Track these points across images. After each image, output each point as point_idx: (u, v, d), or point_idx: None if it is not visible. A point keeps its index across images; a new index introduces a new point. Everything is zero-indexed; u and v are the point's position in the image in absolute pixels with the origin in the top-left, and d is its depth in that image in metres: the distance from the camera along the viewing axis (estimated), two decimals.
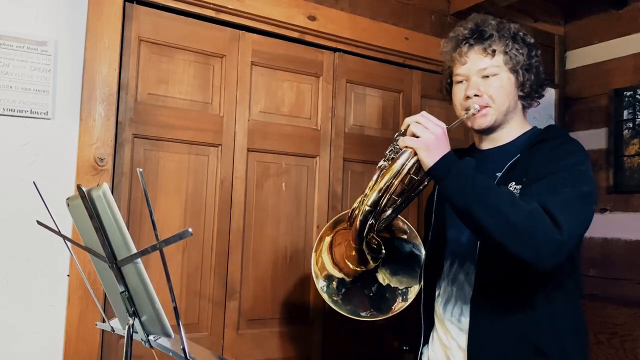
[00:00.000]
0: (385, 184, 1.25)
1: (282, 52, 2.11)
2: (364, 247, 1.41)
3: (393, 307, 1.46)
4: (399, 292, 1.48)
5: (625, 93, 2.62)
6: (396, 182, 1.26)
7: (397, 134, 1.30)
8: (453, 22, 2.53)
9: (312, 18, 2.11)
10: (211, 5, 1.92)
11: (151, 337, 1.05)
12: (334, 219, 1.51)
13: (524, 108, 1.47)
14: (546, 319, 1.31)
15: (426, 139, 1.21)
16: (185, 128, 1.90)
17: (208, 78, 1.97)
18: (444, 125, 1.25)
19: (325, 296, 1.45)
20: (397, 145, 1.28)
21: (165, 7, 1.87)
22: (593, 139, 2.76)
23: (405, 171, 1.24)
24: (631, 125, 2.60)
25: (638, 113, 2.57)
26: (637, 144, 2.56)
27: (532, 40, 1.45)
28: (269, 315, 2.06)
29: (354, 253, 1.44)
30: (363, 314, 1.45)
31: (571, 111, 2.90)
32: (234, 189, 1.99)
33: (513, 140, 1.44)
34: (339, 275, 1.47)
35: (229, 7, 1.94)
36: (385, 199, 1.28)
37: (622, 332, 2.39)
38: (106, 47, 1.73)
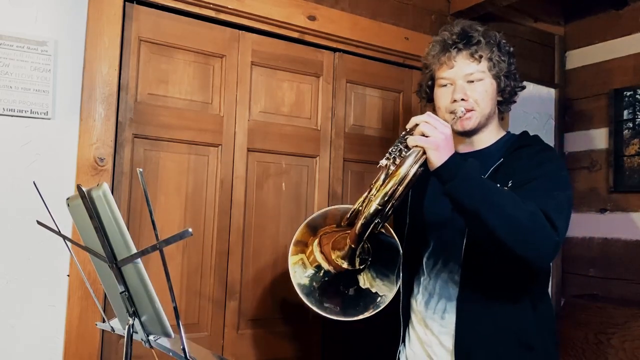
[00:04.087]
0: (391, 188, 1.23)
1: (282, 52, 2.11)
2: (363, 247, 1.39)
3: (361, 314, 1.38)
4: (374, 298, 1.41)
5: (625, 93, 2.62)
6: (403, 185, 1.24)
7: (403, 133, 1.30)
8: (453, 22, 2.53)
9: (312, 18, 2.11)
10: (211, 5, 1.92)
11: (151, 337, 1.05)
12: (305, 223, 1.43)
13: (500, 113, 1.53)
14: (530, 314, 1.37)
15: (436, 138, 1.22)
16: (185, 128, 1.90)
17: (208, 78, 1.97)
18: (450, 127, 1.27)
19: (295, 282, 1.38)
20: (401, 145, 1.27)
21: (165, 7, 1.87)
22: (593, 139, 2.76)
23: (412, 173, 1.23)
24: (631, 125, 2.60)
25: (638, 113, 2.57)
26: (637, 144, 2.56)
27: (512, 49, 1.51)
28: (269, 315, 2.06)
29: (344, 250, 1.39)
30: (331, 314, 1.38)
31: (571, 111, 2.90)
32: (234, 189, 1.99)
33: (492, 145, 1.49)
34: (326, 266, 1.42)
35: (229, 7, 1.94)
36: (391, 203, 1.26)
37: (622, 332, 2.39)
38: (106, 47, 1.73)
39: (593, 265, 2.68)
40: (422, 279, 1.52)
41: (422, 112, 2.41)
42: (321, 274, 1.43)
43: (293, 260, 1.41)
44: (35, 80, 1.63)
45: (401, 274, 1.44)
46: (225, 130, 1.98)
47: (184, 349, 0.95)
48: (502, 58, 1.45)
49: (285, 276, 2.09)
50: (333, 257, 1.40)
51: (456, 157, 1.23)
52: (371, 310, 1.39)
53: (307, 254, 1.44)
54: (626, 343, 2.36)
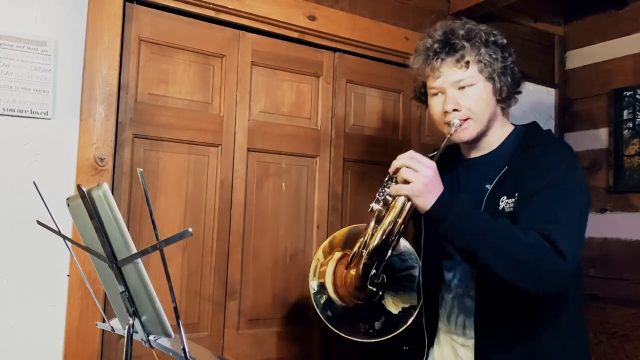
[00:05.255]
0: (381, 236, 1.25)
1: (282, 52, 2.11)
2: (370, 286, 1.39)
3: (400, 327, 1.42)
4: (404, 311, 1.43)
5: (625, 93, 2.62)
6: (395, 230, 1.25)
7: (387, 177, 1.27)
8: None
9: (312, 18, 2.11)
10: (211, 5, 1.92)
11: (151, 337, 1.05)
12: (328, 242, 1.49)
13: (503, 109, 1.44)
14: (550, 332, 1.29)
15: (419, 184, 1.18)
16: (185, 128, 1.90)
17: (208, 78, 1.97)
18: (434, 165, 1.22)
19: (319, 311, 1.42)
20: (387, 190, 1.25)
21: (165, 7, 1.87)
22: (593, 139, 2.76)
23: (402, 218, 1.24)
24: (631, 125, 2.60)
25: (638, 113, 2.57)
26: (637, 144, 2.56)
27: (504, 41, 1.38)
28: (269, 315, 2.06)
29: (355, 287, 1.40)
30: (373, 339, 1.43)
31: (571, 111, 2.90)
32: (234, 189, 1.99)
33: (498, 147, 1.41)
34: (340, 303, 1.43)
35: (229, 7, 1.94)
36: (388, 246, 1.28)
37: (622, 332, 2.39)
38: (106, 47, 1.73)
39: (593, 265, 2.68)
40: (445, 293, 1.46)
41: (422, 112, 2.42)
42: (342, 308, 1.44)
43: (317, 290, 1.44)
44: (35, 80, 1.63)
45: (422, 283, 1.43)
46: (225, 130, 1.98)
47: (184, 349, 0.95)
48: (494, 56, 1.34)
49: (285, 276, 2.10)
50: (350, 295, 1.41)
51: (444, 197, 1.18)
52: (408, 318, 1.40)
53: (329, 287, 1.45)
54: (626, 343, 2.36)
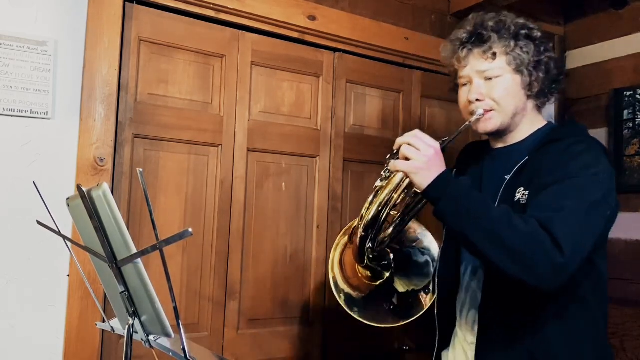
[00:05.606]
0: (376, 209, 1.25)
1: (282, 52, 2.11)
2: (370, 263, 1.40)
3: (420, 306, 1.43)
4: (420, 291, 1.45)
5: (625, 93, 2.62)
6: (390, 205, 1.25)
7: (388, 155, 1.27)
8: (453, 22, 2.53)
9: (312, 18, 2.11)
10: (211, 5, 1.92)
11: (151, 337, 1.05)
12: (345, 230, 1.50)
13: (538, 107, 1.39)
14: (558, 335, 1.23)
15: (418, 161, 1.18)
16: (185, 128, 1.90)
17: (208, 78, 1.97)
18: (437, 145, 1.21)
19: (346, 309, 1.42)
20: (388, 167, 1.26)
21: (165, 7, 1.87)
22: None
23: (399, 192, 1.24)
24: (631, 125, 2.59)
25: (638, 113, 2.57)
26: (637, 144, 2.56)
27: (539, 34, 1.36)
28: (269, 315, 2.06)
29: (364, 270, 1.42)
30: (398, 322, 1.42)
31: (571, 111, 2.89)
32: (234, 189, 1.99)
33: (524, 140, 1.37)
34: (354, 293, 1.44)
35: (229, 7, 1.94)
36: (381, 221, 1.27)
37: (622, 332, 2.39)
38: (106, 47, 1.73)
39: None
40: (461, 286, 1.44)
41: (422, 112, 2.42)
42: (357, 294, 1.45)
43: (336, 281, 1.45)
44: (35, 80, 1.63)
45: (438, 277, 1.42)
46: (225, 130, 1.98)
47: (184, 349, 0.95)
48: (525, 49, 1.31)
49: (285, 276, 2.09)
50: (365, 281, 1.43)
51: (443, 177, 1.17)
52: (425, 296, 1.42)
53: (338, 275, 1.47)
54: (626, 343, 2.36)
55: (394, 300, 1.43)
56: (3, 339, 1.57)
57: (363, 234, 1.28)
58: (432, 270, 1.48)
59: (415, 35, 2.38)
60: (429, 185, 1.17)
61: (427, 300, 1.43)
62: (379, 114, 2.36)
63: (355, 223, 1.37)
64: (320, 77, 2.21)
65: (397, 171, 1.22)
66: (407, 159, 1.20)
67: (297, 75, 2.15)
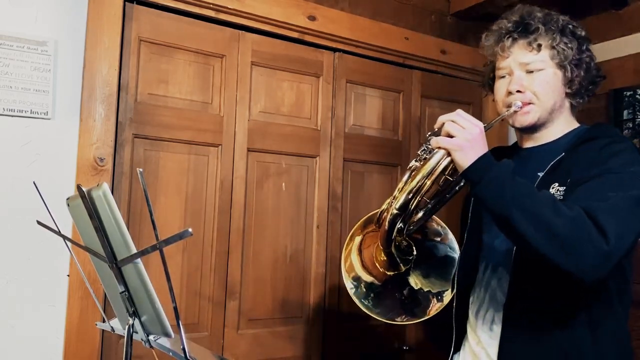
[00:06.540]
0: (415, 186, 1.19)
1: (282, 52, 2.11)
2: (393, 250, 1.36)
3: (428, 311, 1.39)
4: (433, 294, 1.41)
5: (625, 93, 2.62)
6: (428, 184, 1.20)
7: (429, 132, 1.23)
8: (453, 22, 2.53)
9: (312, 18, 2.11)
10: (211, 5, 1.92)
11: (151, 337, 1.05)
12: (364, 218, 1.45)
13: (573, 107, 1.36)
14: (586, 334, 1.21)
15: (462, 139, 1.13)
16: (185, 128, 1.90)
17: (208, 78, 1.97)
18: (481, 125, 1.17)
19: (354, 299, 1.40)
20: (430, 145, 1.20)
21: (165, 7, 1.87)
22: None
23: (437, 172, 1.18)
24: (631, 125, 2.60)
25: (638, 113, 2.57)
26: (637, 144, 2.56)
27: (584, 33, 1.34)
28: (269, 315, 2.06)
29: (383, 256, 1.38)
30: (398, 318, 1.39)
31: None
32: (234, 189, 1.99)
33: (557, 139, 1.34)
34: (369, 278, 1.41)
35: (229, 7, 1.94)
36: (416, 202, 1.22)
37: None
38: (106, 47, 1.73)
39: None
40: (477, 288, 1.41)
41: (422, 112, 2.43)
42: (368, 285, 1.42)
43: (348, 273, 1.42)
44: (35, 80, 1.63)
45: (457, 281, 1.39)
46: (225, 130, 1.98)
47: (184, 349, 0.95)
48: (569, 45, 1.28)
49: (285, 276, 2.10)
50: (380, 269, 1.40)
51: (486, 158, 1.12)
52: (435, 302, 1.38)
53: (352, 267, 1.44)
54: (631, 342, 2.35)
55: (405, 293, 1.40)
56: (3, 339, 1.57)
57: (397, 211, 1.22)
58: (451, 269, 1.45)
59: (415, 35, 2.38)
60: (472, 164, 1.12)
61: (435, 306, 1.40)
62: (379, 114, 2.36)
63: (384, 207, 1.33)
64: (320, 77, 2.21)
65: (439, 148, 1.16)
66: (450, 136, 1.15)
67: (297, 75, 2.15)
